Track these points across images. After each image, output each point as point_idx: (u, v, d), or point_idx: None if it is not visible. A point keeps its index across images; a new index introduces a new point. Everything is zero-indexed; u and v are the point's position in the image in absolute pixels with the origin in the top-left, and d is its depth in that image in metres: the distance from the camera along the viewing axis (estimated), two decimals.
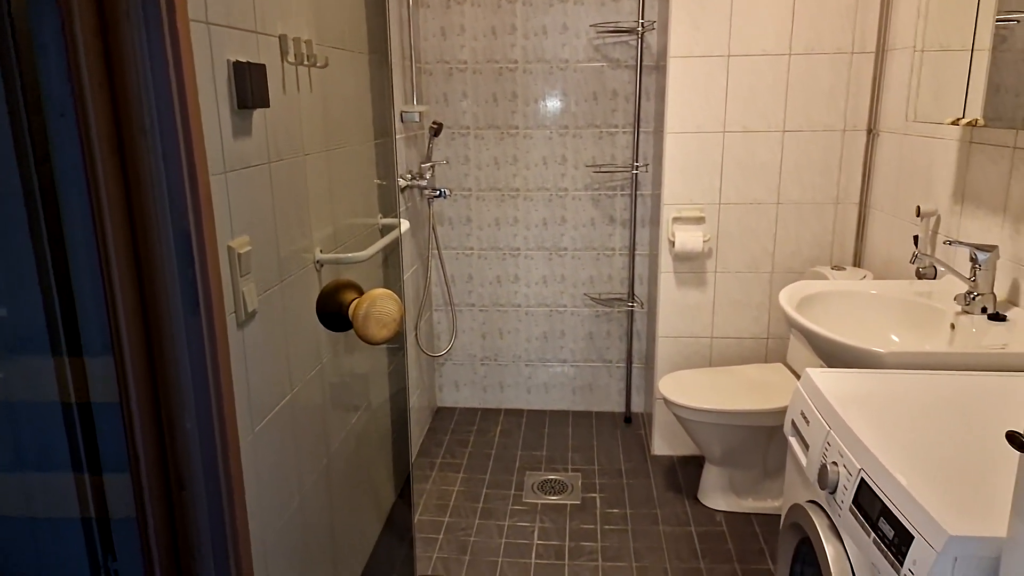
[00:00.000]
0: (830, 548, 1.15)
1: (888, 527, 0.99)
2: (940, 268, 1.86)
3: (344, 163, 2.02)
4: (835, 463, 1.16)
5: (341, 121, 1.98)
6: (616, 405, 3.32)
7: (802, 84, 2.52)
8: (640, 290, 3.16)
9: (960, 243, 1.63)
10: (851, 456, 1.12)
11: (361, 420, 2.13)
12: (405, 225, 2.31)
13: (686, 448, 2.89)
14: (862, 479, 1.08)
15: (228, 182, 1.36)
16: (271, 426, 1.50)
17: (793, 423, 1.39)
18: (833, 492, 1.16)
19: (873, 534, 1.02)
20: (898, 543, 0.96)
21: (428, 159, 2.89)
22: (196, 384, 1.06)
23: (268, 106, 1.45)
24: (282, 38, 1.53)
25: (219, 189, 1.33)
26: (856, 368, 1.51)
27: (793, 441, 1.38)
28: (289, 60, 1.59)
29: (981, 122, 1.55)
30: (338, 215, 1.96)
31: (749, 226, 2.67)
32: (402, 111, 2.64)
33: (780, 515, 2.49)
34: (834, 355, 1.54)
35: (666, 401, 2.43)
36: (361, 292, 1.05)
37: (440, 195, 2.81)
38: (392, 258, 2.51)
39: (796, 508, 1.31)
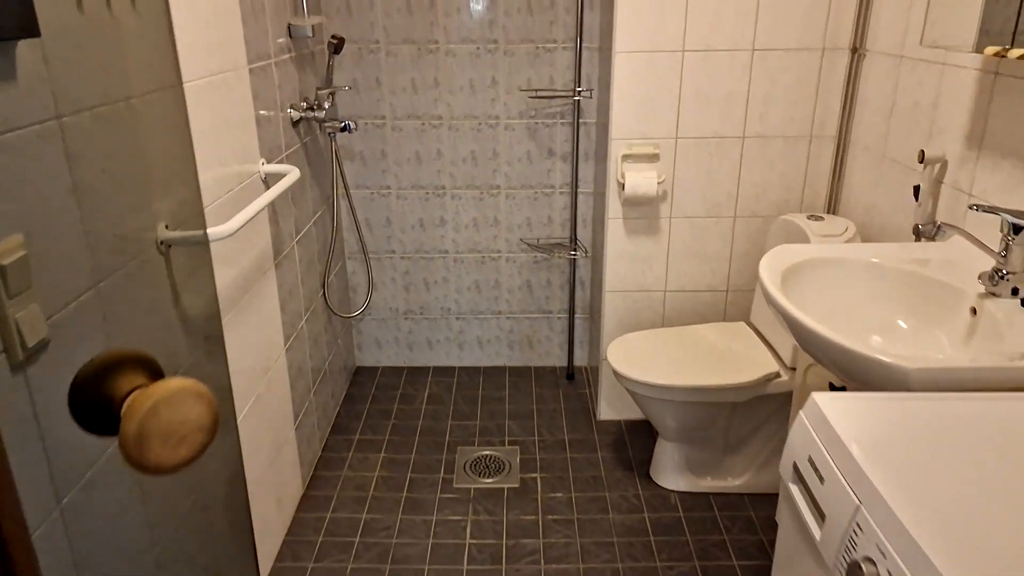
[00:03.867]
0: None
1: None
2: (949, 230, 1.53)
3: (204, 98, 1.53)
4: (872, 561, 0.84)
5: (192, 44, 1.48)
6: (557, 359, 3.00)
7: None
8: (583, 234, 2.78)
9: (994, 210, 1.28)
10: (900, 561, 0.79)
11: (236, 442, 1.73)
12: (295, 174, 1.84)
13: (635, 412, 2.60)
14: None
15: None
16: (96, 487, 1.09)
17: (796, 469, 1.06)
18: None
19: None
20: None
21: (328, 84, 2.37)
22: None
23: (37, 34, 0.96)
24: None
25: None
26: (862, 376, 1.19)
27: (796, 492, 1.05)
28: None
29: None
30: (197, 168, 1.49)
31: (710, 164, 2.29)
32: (290, 24, 2.10)
33: (741, 494, 2.26)
34: (840, 364, 1.21)
35: (615, 372, 2.10)
36: (154, 374, 0.63)
37: (345, 129, 2.32)
38: (283, 212, 2.05)
39: None
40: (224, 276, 1.61)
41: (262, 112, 1.88)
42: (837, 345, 1.17)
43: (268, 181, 1.90)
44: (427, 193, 2.75)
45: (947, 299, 1.40)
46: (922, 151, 1.65)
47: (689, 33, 2.14)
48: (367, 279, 2.83)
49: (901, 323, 1.44)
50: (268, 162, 1.92)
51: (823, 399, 1.05)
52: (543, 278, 2.87)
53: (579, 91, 2.54)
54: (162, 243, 1.32)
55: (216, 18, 1.59)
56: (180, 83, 1.36)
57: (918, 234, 1.71)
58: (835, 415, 1.01)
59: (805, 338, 1.27)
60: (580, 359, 2.99)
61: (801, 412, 1.07)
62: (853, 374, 1.20)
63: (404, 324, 2.94)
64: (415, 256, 2.84)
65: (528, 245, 2.81)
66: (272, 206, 1.95)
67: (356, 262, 2.85)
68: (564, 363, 3.00)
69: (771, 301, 1.38)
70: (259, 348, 1.83)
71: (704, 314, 2.47)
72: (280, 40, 2.04)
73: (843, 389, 1.50)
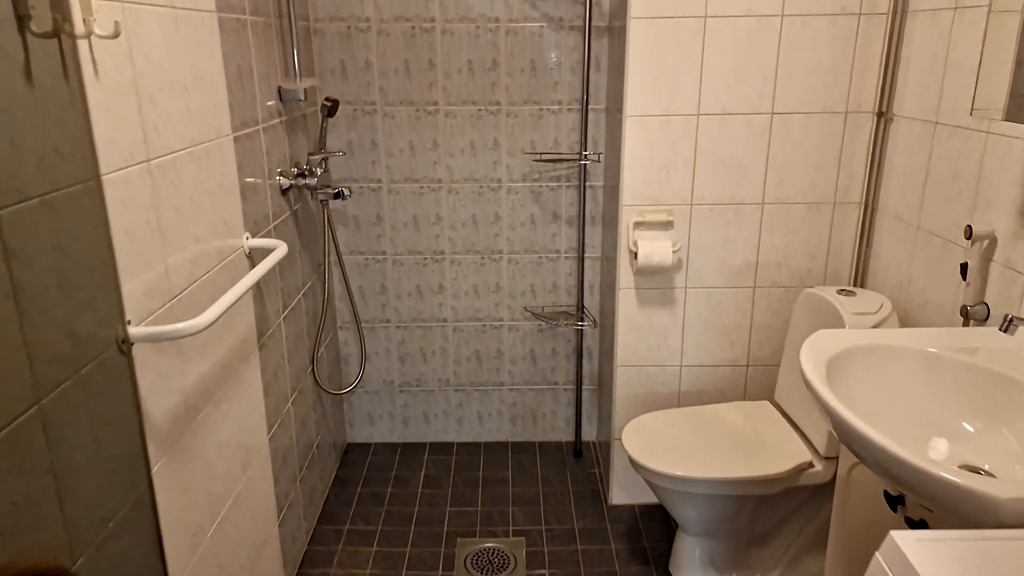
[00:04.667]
0: None
1: None
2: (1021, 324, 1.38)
3: (182, 171, 1.38)
4: None
5: (169, 115, 1.34)
6: (564, 434, 2.81)
7: (797, 51, 1.99)
8: (591, 301, 2.62)
9: None
10: None
11: None
12: (281, 250, 1.69)
13: (649, 496, 2.40)
14: None
15: None
16: None
17: None
18: None
19: None
20: None
21: (320, 148, 2.24)
22: None
23: None
24: None
25: None
26: (937, 499, 1.02)
27: None
28: (34, 29, 0.94)
29: None
30: (169, 249, 1.33)
31: (727, 232, 2.15)
32: (280, 87, 1.98)
33: None
34: (909, 484, 1.03)
35: (631, 461, 1.91)
36: None
37: (339, 196, 2.18)
38: (269, 288, 1.89)
39: None
40: (197, 369, 1.44)
41: (248, 181, 1.73)
42: (911, 465, 1.00)
43: (253, 256, 1.74)
44: (425, 259, 2.59)
45: (1013, 396, 1.24)
46: (969, 226, 1.51)
47: (704, 96, 2.02)
48: (360, 350, 2.65)
49: (967, 426, 1.27)
50: (253, 235, 1.76)
51: (904, 541, 0.87)
52: (548, 348, 2.70)
53: (586, 154, 2.42)
54: (123, 342, 1.16)
55: (197, 84, 1.45)
56: (98, 175, 1.22)
57: (966, 316, 1.56)
58: (924, 564, 0.83)
59: (865, 449, 1.10)
60: (588, 434, 2.80)
61: (878, 555, 0.90)
62: (923, 494, 1.03)
63: (399, 397, 2.76)
64: (411, 325, 2.67)
65: (532, 313, 2.65)
66: (257, 284, 1.79)
67: (348, 332, 2.68)
68: (571, 438, 2.81)
69: (819, 401, 1.22)
70: (238, 442, 1.65)
71: (724, 390, 2.30)
72: (270, 104, 1.91)
73: (901, 499, 1.33)
